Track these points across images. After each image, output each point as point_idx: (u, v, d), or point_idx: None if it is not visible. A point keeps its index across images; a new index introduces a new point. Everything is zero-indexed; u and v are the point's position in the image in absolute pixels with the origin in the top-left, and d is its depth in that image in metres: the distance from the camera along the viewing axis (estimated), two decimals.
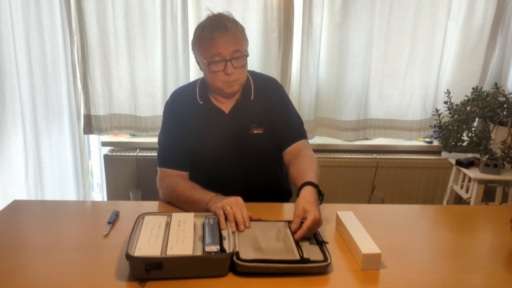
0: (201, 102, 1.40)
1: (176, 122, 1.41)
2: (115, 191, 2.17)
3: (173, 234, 1.01)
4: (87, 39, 1.98)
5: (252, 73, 1.46)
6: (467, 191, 2.00)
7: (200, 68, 1.39)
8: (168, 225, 1.07)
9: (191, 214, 1.12)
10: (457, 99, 2.05)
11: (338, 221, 1.16)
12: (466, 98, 1.99)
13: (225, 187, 1.32)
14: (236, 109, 1.40)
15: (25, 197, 1.80)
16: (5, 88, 1.67)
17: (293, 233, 1.07)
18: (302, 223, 1.06)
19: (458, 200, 2.18)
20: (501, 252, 1.07)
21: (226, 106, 1.40)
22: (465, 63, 2.13)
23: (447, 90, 2.02)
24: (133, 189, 2.16)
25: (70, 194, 2.09)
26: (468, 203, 1.96)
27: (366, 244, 1.00)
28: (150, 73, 2.05)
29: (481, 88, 2.00)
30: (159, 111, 2.12)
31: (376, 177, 2.22)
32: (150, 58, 2.03)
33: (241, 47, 1.30)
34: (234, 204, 1.12)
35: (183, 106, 1.42)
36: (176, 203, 1.31)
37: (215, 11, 1.33)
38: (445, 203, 2.18)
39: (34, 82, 1.84)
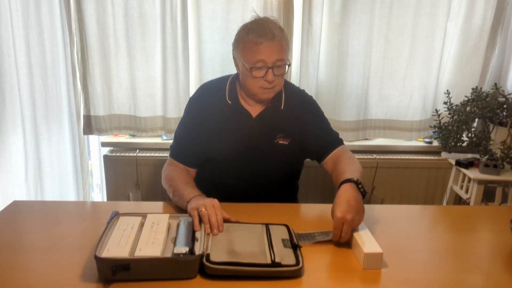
0: (230, 102, 1.38)
1: (198, 119, 1.39)
2: (114, 191, 2.17)
3: (145, 235, 1.00)
4: (86, 40, 1.98)
5: (286, 83, 1.44)
6: (466, 191, 2.00)
7: (237, 69, 1.38)
8: (142, 226, 1.06)
9: (166, 215, 1.11)
10: (457, 100, 2.05)
11: None
12: (466, 99, 1.99)
13: (233, 188, 1.32)
14: (264, 115, 1.39)
15: (25, 197, 1.80)
16: (4, 88, 1.67)
17: (269, 236, 1.06)
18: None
19: (458, 200, 2.18)
20: (501, 253, 1.07)
21: (254, 109, 1.39)
22: (465, 63, 2.13)
23: (447, 90, 2.03)
24: (133, 190, 2.16)
25: (70, 194, 2.09)
26: (468, 204, 1.96)
27: (368, 243, 1.00)
28: (149, 73, 2.05)
29: (481, 88, 2.01)
30: (158, 111, 2.11)
31: (376, 178, 2.22)
32: (149, 58, 2.03)
33: (284, 56, 1.29)
34: (210, 206, 1.11)
35: (210, 104, 1.40)
36: (168, 192, 1.31)
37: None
38: (444, 203, 2.18)
39: (34, 83, 1.84)
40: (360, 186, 1.13)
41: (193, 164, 1.40)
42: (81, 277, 0.93)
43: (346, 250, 1.06)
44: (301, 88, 2.08)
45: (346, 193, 1.10)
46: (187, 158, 1.40)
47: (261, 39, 1.24)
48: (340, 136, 1.38)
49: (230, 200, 1.25)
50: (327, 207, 1.30)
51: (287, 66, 1.32)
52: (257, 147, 1.38)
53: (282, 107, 1.39)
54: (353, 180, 1.14)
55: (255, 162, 1.40)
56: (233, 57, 1.37)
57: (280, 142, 1.39)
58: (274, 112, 1.39)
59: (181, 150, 1.40)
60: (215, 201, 1.14)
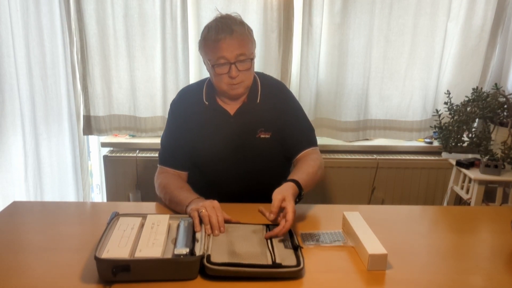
0: (207, 103, 1.38)
1: (180, 122, 1.40)
2: (114, 192, 2.17)
3: (145, 236, 1.00)
4: (86, 40, 1.98)
5: (261, 76, 1.44)
6: (467, 191, 2.00)
7: (207, 69, 1.38)
8: (142, 227, 1.06)
9: (166, 216, 1.11)
10: (457, 100, 2.05)
11: (345, 221, 1.15)
12: (466, 99, 1.99)
13: (225, 189, 1.31)
14: (242, 111, 1.38)
15: (24, 198, 1.80)
16: (4, 89, 1.67)
17: (269, 236, 1.05)
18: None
19: (459, 200, 2.18)
20: (501, 253, 1.07)
21: (231, 107, 1.38)
22: (465, 63, 2.13)
23: (447, 90, 2.02)
24: (133, 190, 2.16)
25: (69, 195, 2.09)
26: (469, 204, 1.96)
27: (372, 245, 1.00)
28: (149, 74, 2.05)
29: (481, 88, 2.00)
30: (158, 112, 2.11)
31: (376, 178, 2.22)
32: (149, 58, 2.03)
33: (246, 50, 1.27)
34: (210, 208, 1.11)
35: (189, 106, 1.40)
36: (164, 200, 1.31)
37: (217, 12, 1.31)
38: (445, 203, 2.18)
39: (34, 83, 1.83)
40: (297, 200, 1.15)
41: (183, 167, 1.40)
42: (81, 278, 0.92)
43: (348, 250, 1.06)
44: (301, 88, 2.11)
45: (291, 191, 1.13)
46: (176, 161, 1.39)
47: (220, 36, 1.24)
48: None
49: (225, 200, 1.25)
50: (327, 207, 1.30)
51: (252, 61, 1.30)
52: (241, 145, 1.38)
53: (258, 101, 1.38)
54: (296, 181, 1.16)
55: (242, 160, 1.39)
56: (202, 58, 1.37)
57: (262, 136, 1.38)
58: (251, 107, 1.38)
59: (168, 155, 1.40)
60: (215, 202, 1.14)
